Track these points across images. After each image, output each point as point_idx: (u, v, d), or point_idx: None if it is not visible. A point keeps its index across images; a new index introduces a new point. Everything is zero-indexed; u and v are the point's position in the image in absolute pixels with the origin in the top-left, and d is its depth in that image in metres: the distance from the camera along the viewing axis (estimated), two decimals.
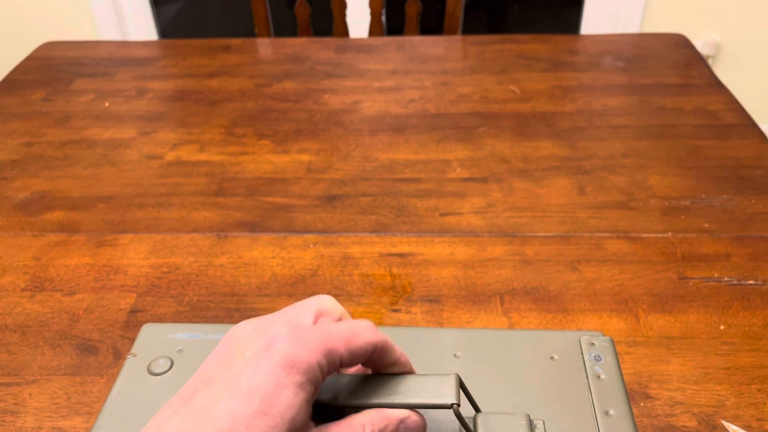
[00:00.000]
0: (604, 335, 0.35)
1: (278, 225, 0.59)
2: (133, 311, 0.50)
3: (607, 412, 0.31)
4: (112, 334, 0.48)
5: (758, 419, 0.41)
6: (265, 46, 0.98)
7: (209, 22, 2.63)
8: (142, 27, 2.03)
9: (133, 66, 0.92)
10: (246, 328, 0.32)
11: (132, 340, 0.48)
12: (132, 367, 0.36)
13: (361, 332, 0.31)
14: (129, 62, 0.93)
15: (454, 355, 0.37)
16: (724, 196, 0.61)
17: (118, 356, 0.47)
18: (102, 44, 1.00)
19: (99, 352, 0.47)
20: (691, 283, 0.51)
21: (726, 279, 0.51)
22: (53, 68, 0.92)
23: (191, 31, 2.51)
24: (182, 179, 0.66)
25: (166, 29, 2.37)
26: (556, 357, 0.35)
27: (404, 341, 0.41)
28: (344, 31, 1.24)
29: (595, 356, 0.34)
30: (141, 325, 0.46)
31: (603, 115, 0.75)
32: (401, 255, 0.55)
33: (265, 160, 0.69)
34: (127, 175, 0.67)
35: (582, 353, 0.34)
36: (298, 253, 0.56)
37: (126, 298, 0.51)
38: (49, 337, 0.48)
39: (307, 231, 0.58)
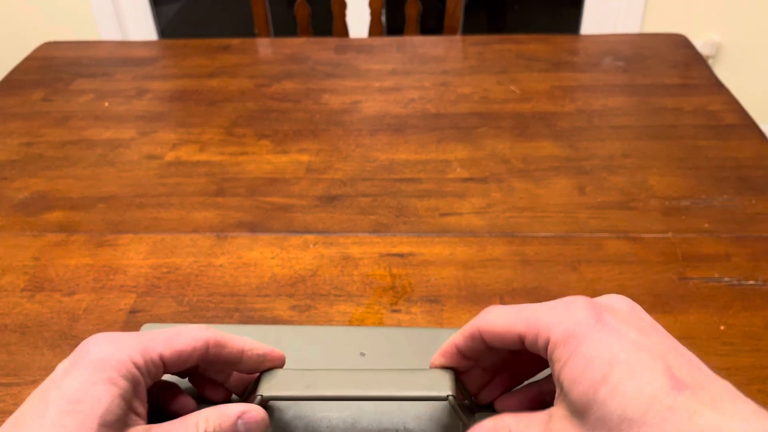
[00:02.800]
0: None
1: (278, 225, 0.59)
2: (132, 311, 0.50)
3: None
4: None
5: None
6: (265, 46, 0.98)
7: (209, 22, 2.63)
8: (142, 27, 2.03)
9: (133, 66, 0.92)
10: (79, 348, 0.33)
11: None
12: None
13: (185, 332, 0.33)
14: (129, 62, 0.93)
15: None
16: (724, 196, 0.61)
17: None
18: (102, 44, 1.00)
19: None
20: (691, 284, 0.51)
21: (726, 279, 0.51)
22: (53, 68, 0.92)
23: (191, 31, 2.50)
24: (182, 179, 0.66)
25: (166, 29, 2.37)
26: None
27: (404, 341, 0.41)
28: (344, 31, 1.24)
29: None
30: (141, 326, 0.46)
31: (603, 116, 0.75)
32: (401, 255, 0.55)
33: (264, 160, 0.69)
34: (127, 175, 0.67)
35: None
36: (298, 254, 0.56)
37: (126, 299, 0.51)
38: (49, 338, 0.48)
39: (307, 231, 0.58)
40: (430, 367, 0.34)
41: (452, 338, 0.34)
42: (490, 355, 0.34)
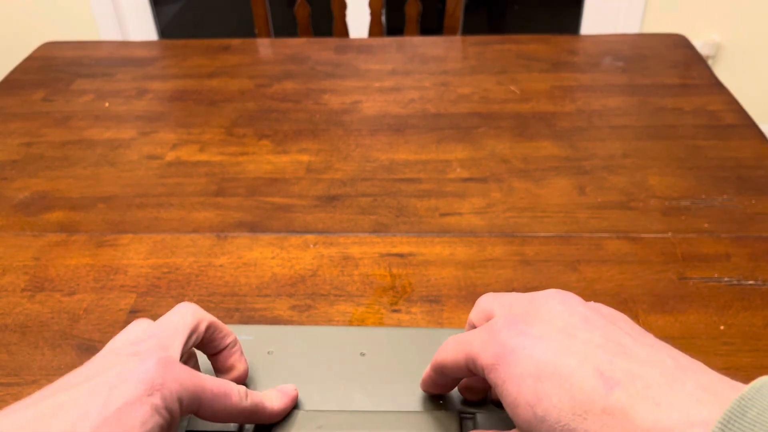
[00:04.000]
0: None
1: (278, 225, 0.59)
2: (133, 311, 0.50)
3: None
4: (112, 335, 0.48)
5: None
6: (265, 46, 0.98)
7: (209, 23, 2.63)
8: (142, 27, 2.03)
9: (133, 66, 0.92)
10: (127, 339, 0.34)
11: None
12: None
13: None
14: (129, 62, 0.93)
15: None
16: (724, 196, 0.61)
17: None
18: (102, 44, 1.00)
19: (99, 352, 0.47)
20: (691, 284, 0.51)
21: (726, 279, 0.51)
22: (53, 68, 0.92)
23: (191, 32, 2.51)
24: (182, 179, 0.66)
25: (166, 29, 2.37)
26: None
27: (404, 341, 0.41)
28: (344, 32, 1.24)
29: None
30: None
31: (603, 116, 0.75)
32: (401, 255, 0.55)
33: (265, 160, 0.69)
34: (127, 175, 0.67)
35: None
36: (298, 254, 0.56)
37: (126, 299, 0.51)
38: (49, 338, 0.48)
39: (307, 231, 0.58)
40: (422, 389, 0.35)
41: (426, 370, 0.35)
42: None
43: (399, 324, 0.48)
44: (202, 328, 0.36)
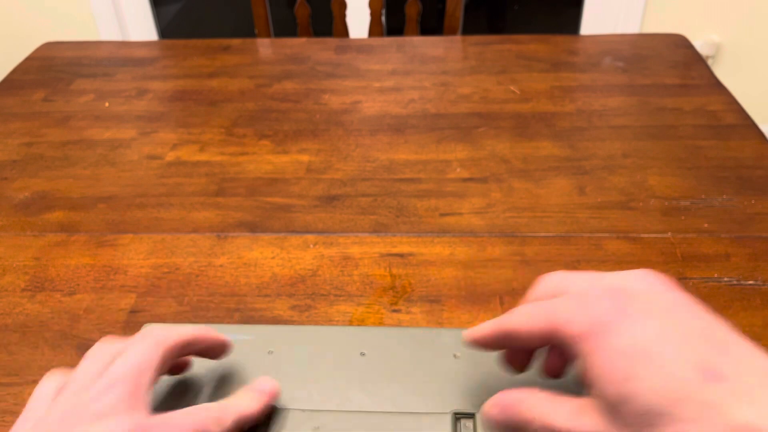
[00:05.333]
0: None
1: (278, 225, 0.59)
2: (133, 311, 0.50)
3: None
4: (112, 335, 0.48)
5: None
6: (265, 46, 0.98)
7: (209, 23, 2.63)
8: (142, 27, 2.03)
9: (133, 66, 0.92)
10: (87, 381, 0.32)
11: None
12: None
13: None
14: (129, 62, 0.93)
15: (454, 356, 0.37)
16: (724, 196, 0.61)
17: None
18: (102, 44, 1.00)
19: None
20: (690, 284, 0.51)
21: (726, 279, 0.51)
22: (53, 68, 0.92)
23: (191, 32, 2.51)
24: (182, 179, 0.66)
25: (166, 29, 2.37)
26: None
27: (404, 341, 0.41)
28: (344, 32, 1.25)
29: None
30: (141, 326, 0.46)
31: (603, 116, 0.75)
32: (401, 255, 0.55)
33: (265, 160, 0.69)
34: (127, 175, 0.67)
35: None
36: (298, 254, 0.56)
37: (126, 299, 0.51)
38: (49, 338, 0.48)
39: (307, 231, 0.58)
40: (466, 339, 0.34)
41: (482, 329, 0.33)
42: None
43: (399, 324, 0.48)
44: (171, 354, 0.34)
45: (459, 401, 0.35)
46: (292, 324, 0.48)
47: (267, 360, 0.40)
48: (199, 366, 0.39)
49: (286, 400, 0.37)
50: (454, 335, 0.39)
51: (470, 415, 0.35)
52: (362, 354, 0.40)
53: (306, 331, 0.44)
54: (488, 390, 0.35)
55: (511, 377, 0.36)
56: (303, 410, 0.35)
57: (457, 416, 0.34)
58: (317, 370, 0.39)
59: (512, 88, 0.82)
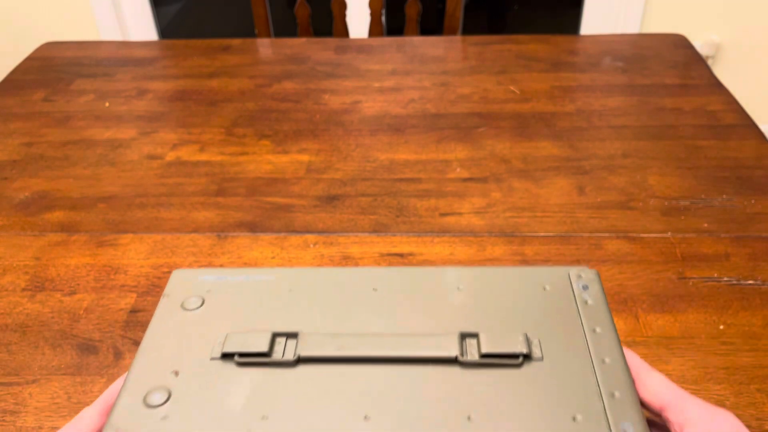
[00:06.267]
0: (590, 269, 0.38)
1: (278, 225, 0.59)
2: (133, 311, 0.50)
3: (594, 330, 0.35)
4: (112, 334, 0.49)
5: (757, 419, 0.41)
6: (265, 46, 0.98)
7: (209, 23, 2.63)
8: (142, 27, 2.03)
9: (133, 66, 0.92)
10: None
11: (132, 340, 0.48)
12: (166, 306, 0.38)
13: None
14: (129, 62, 0.93)
15: (458, 288, 0.41)
16: (724, 196, 0.61)
17: (119, 356, 0.47)
18: (102, 44, 1.00)
19: (99, 351, 0.47)
20: (690, 283, 0.51)
21: (725, 279, 0.51)
22: (53, 68, 0.92)
23: (191, 32, 2.51)
24: (182, 179, 0.66)
25: (166, 29, 2.38)
26: (548, 287, 0.39)
27: (413, 277, 0.44)
28: (344, 32, 1.25)
29: (582, 286, 0.38)
30: (141, 325, 0.46)
31: (602, 116, 0.75)
32: (401, 255, 0.55)
33: (265, 160, 0.69)
34: (127, 175, 0.67)
35: (571, 284, 0.38)
36: (298, 253, 0.56)
37: (126, 298, 0.51)
38: (50, 337, 0.48)
39: (307, 231, 0.58)
40: None
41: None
42: None
43: None
44: None
45: (464, 323, 0.38)
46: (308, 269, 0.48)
47: (288, 296, 0.42)
48: (221, 298, 0.40)
49: (308, 328, 0.39)
50: (457, 271, 0.42)
51: (474, 335, 0.37)
52: (374, 289, 0.43)
53: (323, 272, 0.46)
54: (489, 314, 0.38)
55: (509, 299, 0.39)
56: (325, 334, 0.37)
57: (463, 335, 0.37)
58: (335, 303, 0.42)
59: (512, 88, 0.82)
